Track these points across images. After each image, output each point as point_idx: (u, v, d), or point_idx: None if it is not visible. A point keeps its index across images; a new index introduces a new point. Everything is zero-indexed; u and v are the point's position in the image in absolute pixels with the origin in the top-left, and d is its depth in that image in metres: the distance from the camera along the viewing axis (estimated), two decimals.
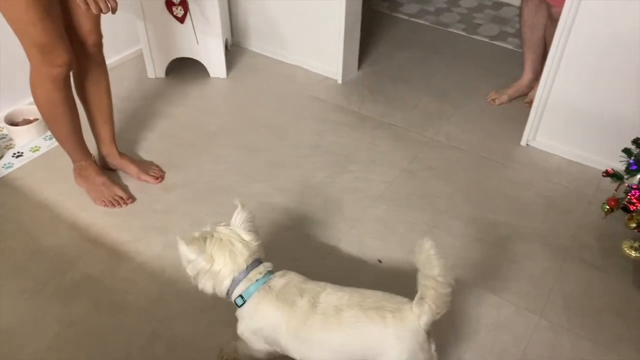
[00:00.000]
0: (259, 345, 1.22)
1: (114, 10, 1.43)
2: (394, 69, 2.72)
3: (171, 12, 2.40)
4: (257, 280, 1.18)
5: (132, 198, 1.91)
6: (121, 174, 2.01)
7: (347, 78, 2.63)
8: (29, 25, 1.48)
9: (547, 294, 1.63)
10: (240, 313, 1.21)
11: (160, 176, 2.00)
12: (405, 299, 1.15)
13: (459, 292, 1.62)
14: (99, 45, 1.71)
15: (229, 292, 1.20)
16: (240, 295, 1.19)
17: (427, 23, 3.12)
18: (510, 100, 2.47)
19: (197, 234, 1.19)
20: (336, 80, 2.61)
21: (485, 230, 1.85)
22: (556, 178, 2.07)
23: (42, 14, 1.46)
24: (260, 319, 1.18)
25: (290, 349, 1.17)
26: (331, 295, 1.16)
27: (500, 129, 2.32)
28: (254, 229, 1.23)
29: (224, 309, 1.26)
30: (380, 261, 1.72)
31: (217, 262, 1.17)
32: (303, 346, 1.16)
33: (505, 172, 2.10)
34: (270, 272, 1.22)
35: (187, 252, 1.15)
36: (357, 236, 1.81)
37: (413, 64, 2.76)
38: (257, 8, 2.68)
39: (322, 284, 1.20)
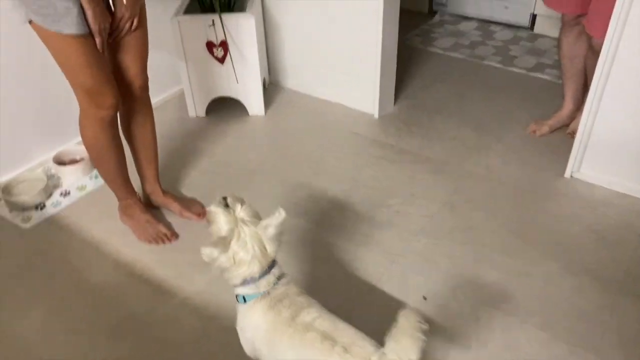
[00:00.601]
0: (244, 340, 1.29)
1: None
2: (431, 103, 2.72)
3: (212, 53, 2.48)
4: (263, 291, 1.23)
5: (175, 235, 1.94)
6: (165, 211, 2.05)
7: (384, 112, 2.64)
8: (78, 69, 1.55)
9: (600, 331, 1.56)
10: (238, 308, 1.28)
11: (202, 213, 2.03)
12: (372, 347, 1.09)
13: (508, 329, 1.57)
14: (145, 87, 1.78)
15: (235, 286, 1.25)
16: (243, 297, 1.24)
17: (462, 56, 3.13)
18: (552, 131, 2.43)
19: (225, 229, 1.20)
20: (373, 115, 2.62)
21: (531, 264, 1.80)
22: (603, 210, 2.01)
23: (91, 59, 1.53)
24: (249, 319, 1.24)
25: (261, 353, 1.23)
26: (310, 315, 1.17)
27: (543, 161, 2.28)
28: (280, 239, 1.24)
29: None
30: (425, 298, 1.69)
31: (236, 263, 1.20)
32: (270, 354, 1.20)
33: (549, 205, 2.06)
34: (278, 279, 1.25)
35: (212, 252, 1.18)
36: (399, 271, 1.78)
37: (450, 97, 2.76)
38: (293, 46, 2.74)
39: (312, 301, 1.23)
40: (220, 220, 1.21)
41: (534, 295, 1.69)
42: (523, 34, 3.35)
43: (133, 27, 1.61)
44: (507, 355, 1.51)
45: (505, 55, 3.12)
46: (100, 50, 1.53)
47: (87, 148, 1.77)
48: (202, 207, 2.06)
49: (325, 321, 1.16)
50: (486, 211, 2.02)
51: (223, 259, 1.19)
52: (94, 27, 1.47)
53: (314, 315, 1.17)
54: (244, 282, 1.22)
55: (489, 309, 1.64)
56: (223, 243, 1.19)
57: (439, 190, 2.13)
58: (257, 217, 1.24)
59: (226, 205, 1.24)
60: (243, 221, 1.21)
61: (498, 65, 3.02)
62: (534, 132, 2.44)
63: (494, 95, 2.77)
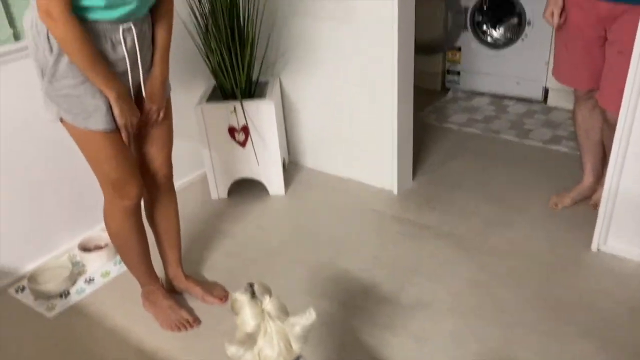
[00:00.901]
0: None
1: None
2: (449, 178, 2.74)
3: (233, 137, 2.56)
4: None
5: (197, 320, 1.92)
6: (187, 295, 2.04)
7: (403, 189, 2.66)
8: (105, 162, 1.60)
9: None
10: None
11: (224, 296, 2.02)
12: None
13: None
14: (170, 176, 1.83)
15: None
16: None
17: (477, 131, 3.18)
18: (574, 203, 2.42)
19: (252, 325, 1.17)
20: (392, 191, 2.64)
21: (565, 344, 1.73)
22: (636, 284, 1.95)
23: (117, 152, 1.58)
24: None
25: None
26: None
27: (567, 234, 2.25)
28: (305, 338, 1.21)
29: None
30: None
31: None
32: None
33: (578, 280, 2.01)
34: None
35: (237, 351, 1.15)
36: (428, 355, 1.72)
37: (468, 171, 2.78)
38: (311, 127, 2.82)
39: None
40: (247, 313, 1.18)
41: None
42: (537, 107, 3.41)
43: (159, 119, 1.68)
44: None
45: (520, 128, 3.16)
46: (127, 144, 1.59)
47: (111, 237, 1.80)
48: (225, 291, 2.05)
49: None
50: (513, 288, 1.98)
51: (248, 357, 1.16)
52: (121, 123, 1.54)
53: None
54: None
55: None
56: (249, 339, 1.16)
57: (463, 267, 2.10)
58: (284, 311, 1.21)
59: (252, 294, 1.23)
60: (270, 316, 1.18)
61: (514, 139, 3.06)
62: (556, 205, 2.42)
63: (512, 169, 2.78)
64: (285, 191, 2.72)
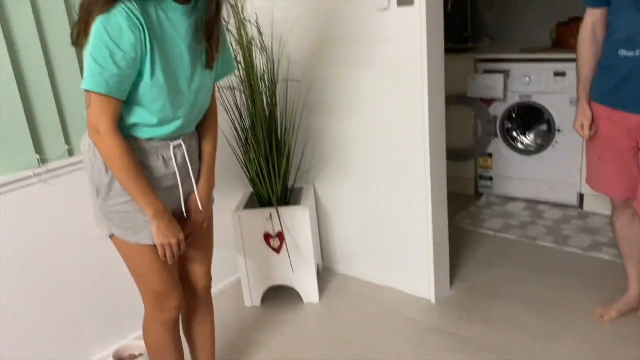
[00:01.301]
0: None
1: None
2: (488, 286, 2.67)
3: (269, 244, 2.59)
4: None
5: None
6: None
7: (441, 297, 2.60)
8: (149, 275, 1.63)
9: None
10: None
11: None
12: None
13: None
14: (209, 288, 1.84)
15: None
16: None
17: (513, 237, 3.14)
18: (621, 315, 2.31)
19: None
20: (429, 300, 2.58)
21: None
22: None
23: (162, 265, 1.61)
24: None
25: None
26: None
27: (618, 350, 2.12)
28: None
29: None
30: None
31: None
32: None
33: None
34: None
35: None
36: None
37: (507, 279, 2.72)
38: (345, 232, 2.84)
39: None
40: None
41: None
42: (573, 212, 3.37)
43: (204, 230, 1.73)
44: None
45: (557, 235, 3.11)
46: (170, 263, 1.61)
47: (149, 350, 1.79)
48: None
49: None
50: None
51: None
52: (158, 242, 1.53)
53: None
54: None
55: None
56: None
57: None
58: None
59: None
60: None
61: (552, 246, 3.00)
62: (602, 317, 2.31)
63: (552, 277, 2.70)
64: (320, 298, 2.69)
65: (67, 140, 2.06)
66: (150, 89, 1.42)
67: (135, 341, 2.32)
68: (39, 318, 2.11)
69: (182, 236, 1.56)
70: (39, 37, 1.93)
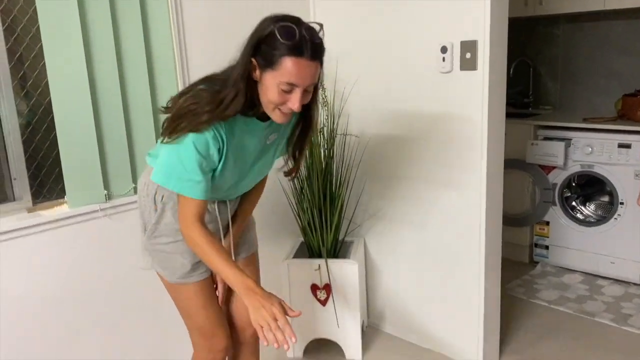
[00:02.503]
0: None
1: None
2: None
3: (315, 295, 2.58)
4: None
5: None
6: None
7: None
8: (195, 312, 1.67)
9: None
10: None
11: None
12: None
13: None
14: (256, 335, 1.85)
15: None
16: None
17: (569, 311, 2.99)
18: None
19: None
20: None
21: None
22: None
23: (206, 302, 1.67)
24: None
25: None
26: None
27: None
28: None
29: None
30: None
31: None
32: None
33: None
34: None
35: None
36: None
37: (560, 355, 2.58)
38: (393, 291, 2.80)
39: None
40: None
41: None
42: (635, 290, 3.20)
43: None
44: None
45: (617, 312, 2.95)
46: (220, 303, 1.66)
47: None
48: None
49: None
50: None
51: None
52: (254, 322, 1.40)
53: None
54: None
55: None
56: None
57: None
58: None
59: None
60: None
61: (611, 324, 2.84)
62: None
63: (609, 357, 2.54)
64: (362, 356, 2.63)
65: (134, 179, 2.17)
66: (215, 179, 1.54)
67: None
68: (91, 348, 2.16)
69: (276, 309, 1.39)
70: (119, 83, 2.07)
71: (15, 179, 1.99)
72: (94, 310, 2.16)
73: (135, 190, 2.18)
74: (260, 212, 2.10)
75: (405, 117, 2.54)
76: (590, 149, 3.26)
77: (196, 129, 1.40)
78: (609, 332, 2.78)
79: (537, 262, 3.62)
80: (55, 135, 1.97)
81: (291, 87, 1.39)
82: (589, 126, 3.31)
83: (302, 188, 2.61)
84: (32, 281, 1.99)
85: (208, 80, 1.48)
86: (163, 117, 1.49)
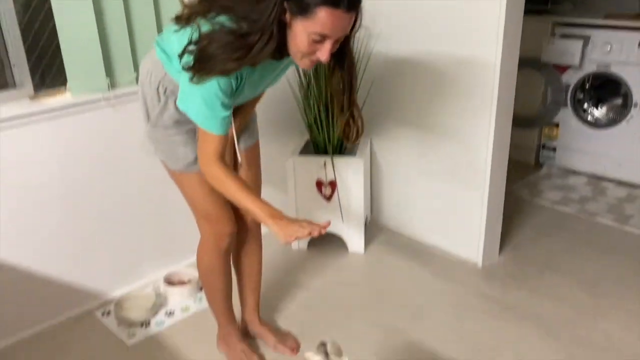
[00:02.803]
0: None
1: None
2: (539, 257, 2.61)
3: (320, 191, 2.60)
4: None
5: None
6: (260, 341, 2.05)
7: (488, 262, 2.56)
8: (200, 199, 1.69)
9: None
10: None
11: (296, 348, 2.01)
12: None
13: None
14: (258, 222, 1.88)
15: None
16: None
17: (571, 211, 3.03)
18: None
19: None
20: (476, 264, 2.55)
21: None
22: None
23: (210, 188, 1.64)
24: None
25: None
26: None
27: None
28: None
29: None
30: None
31: None
32: None
33: None
34: None
35: None
36: None
37: (559, 252, 2.64)
38: (397, 188, 2.82)
39: None
40: None
41: None
42: (639, 192, 3.21)
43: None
44: None
45: (619, 213, 2.98)
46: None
47: (200, 273, 1.87)
48: (297, 342, 2.04)
49: None
50: None
51: None
52: (281, 240, 1.41)
53: None
54: None
55: None
56: None
57: (550, 354, 1.96)
58: None
59: (325, 354, 1.23)
60: None
61: (612, 224, 2.88)
62: None
63: (608, 255, 2.61)
64: (365, 250, 2.71)
65: (136, 67, 2.11)
66: None
67: (185, 268, 2.44)
68: (96, 236, 2.23)
69: (306, 227, 1.39)
70: None
71: (14, 65, 1.94)
72: (97, 200, 2.19)
73: (137, 79, 2.13)
74: (266, 110, 2.08)
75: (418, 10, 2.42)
76: (609, 47, 3.13)
77: (223, 74, 1.35)
78: (609, 232, 2.83)
79: (542, 164, 3.61)
80: (54, 23, 1.88)
81: (323, 37, 1.31)
82: (609, 23, 3.15)
83: (308, 84, 2.54)
84: (34, 171, 2.00)
85: (228, 10, 1.34)
86: (164, 2, 1.41)
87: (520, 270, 2.50)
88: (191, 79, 1.36)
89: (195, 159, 1.61)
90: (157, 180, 1.71)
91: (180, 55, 1.37)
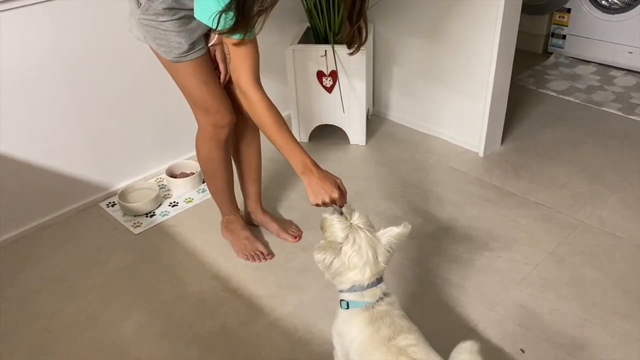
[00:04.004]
0: (336, 344, 1.31)
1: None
2: (540, 146, 2.60)
3: (321, 82, 2.54)
4: (367, 301, 1.24)
5: (271, 254, 1.98)
6: (263, 230, 2.10)
7: (490, 152, 2.56)
8: (194, 88, 1.65)
9: None
10: (339, 313, 1.29)
11: (298, 235, 2.06)
12: None
13: None
14: None
15: (342, 291, 1.27)
16: (347, 302, 1.25)
17: (577, 101, 2.97)
18: None
19: (341, 236, 1.23)
20: (477, 153, 2.55)
21: None
22: None
23: (206, 77, 1.63)
24: (347, 327, 1.25)
25: None
26: (406, 340, 1.16)
27: None
28: (392, 251, 1.26)
29: None
30: (523, 351, 1.58)
31: (348, 267, 1.22)
32: None
33: None
34: (382, 296, 1.25)
35: (324, 258, 1.22)
36: (497, 320, 1.69)
37: (561, 142, 2.63)
38: (401, 78, 2.75)
39: (413, 327, 1.21)
40: (336, 227, 1.25)
41: None
42: None
43: None
44: None
45: (626, 102, 2.92)
46: (222, 83, 1.62)
47: (200, 163, 1.87)
48: (299, 230, 2.09)
49: (420, 351, 1.14)
50: (598, 267, 1.88)
51: (336, 263, 1.22)
52: (311, 200, 1.46)
53: (411, 342, 1.16)
54: (352, 288, 1.24)
55: None
56: (334, 247, 1.22)
57: (545, 239, 2.01)
58: (371, 226, 1.27)
59: (341, 213, 1.31)
60: (359, 227, 1.24)
61: (617, 113, 2.84)
62: None
63: (611, 144, 2.59)
64: (367, 141, 2.69)
65: None
66: None
67: (188, 161, 2.44)
68: (99, 128, 2.21)
69: (336, 194, 1.43)
70: None
71: None
72: (100, 93, 2.15)
73: None
74: None
75: None
76: None
77: None
78: (613, 121, 2.80)
79: (551, 53, 3.49)
80: None
81: None
82: None
83: None
84: (33, 59, 1.94)
85: None
86: None
87: (521, 160, 2.50)
88: None
89: (190, 48, 1.55)
90: (159, 71, 1.64)
91: None
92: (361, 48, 1.55)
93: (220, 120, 1.70)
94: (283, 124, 1.47)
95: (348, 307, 1.25)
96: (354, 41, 1.51)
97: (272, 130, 1.46)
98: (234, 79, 1.47)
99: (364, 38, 1.50)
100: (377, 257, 1.23)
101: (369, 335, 1.19)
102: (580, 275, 1.84)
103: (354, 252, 1.21)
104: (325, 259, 1.21)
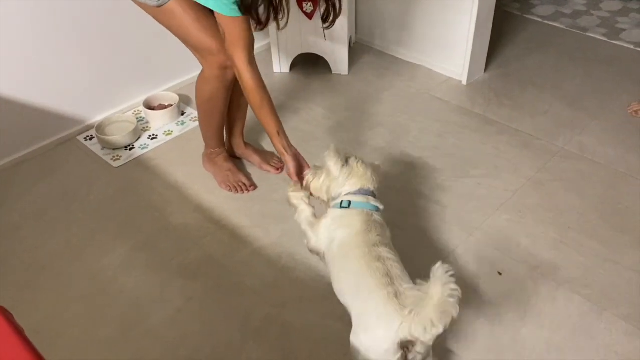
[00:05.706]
0: (325, 235, 1.35)
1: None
2: (524, 73, 2.57)
3: (301, 8, 2.45)
4: (371, 204, 1.36)
5: (254, 185, 1.98)
6: (246, 162, 2.09)
7: (473, 79, 2.53)
8: (188, 28, 1.59)
9: None
10: (335, 212, 1.37)
11: (280, 167, 2.05)
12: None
13: (586, 315, 1.50)
14: None
15: (340, 195, 1.39)
16: (350, 202, 1.35)
17: (562, 26, 2.92)
18: None
19: (343, 160, 1.40)
20: (460, 82, 2.52)
21: (620, 252, 1.69)
22: None
23: (196, 14, 1.57)
24: (346, 220, 1.32)
25: (330, 257, 1.31)
26: (387, 254, 1.22)
27: None
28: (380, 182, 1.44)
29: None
30: (500, 273, 1.63)
31: (353, 174, 1.39)
32: (335, 260, 1.29)
33: None
34: (378, 211, 1.37)
35: (337, 161, 1.38)
36: (475, 245, 1.73)
37: (545, 68, 2.60)
38: (383, 6, 2.66)
39: (395, 253, 1.26)
40: (333, 159, 1.39)
41: (620, 285, 1.59)
42: (634, 5, 3.08)
43: None
44: (582, 340, 1.44)
45: (611, 27, 2.88)
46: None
47: (199, 102, 1.82)
48: (281, 162, 2.08)
49: (396, 267, 1.20)
50: (575, 192, 1.91)
51: (345, 171, 1.37)
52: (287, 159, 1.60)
53: (391, 257, 1.22)
54: (359, 191, 1.37)
55: (568, 292, 1.57)
56: (340, 158, 1.39)
57: (525, 166, 2.04)
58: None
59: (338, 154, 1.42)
60: (357, 157, 1.42)
61: (602, 38, 2.80)
62: (636, 112, 2.26)
63: (594, 69, 2.58)
64: (349, 71, 2.64)
65: None
66: None
67: (165, 92, 2.39)
68: (73, 61, 2.13)
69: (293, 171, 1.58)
70: None
71: None
72: (73, 25, 2.05)
73: None
74: None
75: None
76: None
77: None
78: (598, 46, 2.77)
79: None
80: None
81: None
82: None
83: None
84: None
85: None
86: None
87: (504, 87, 2.48)
88: None
89: None
90: (134, 4, 1.57)
91: None
92: None
93: (227, 61, 1.63)
94: (265, 105, 1.56)
95: (349, 207, 1.34)
96: (328, 17, 1.55)
97: (255, 110, 1.57)
98: (228, 54, 1.53)
99: (338, 10, 1.54)
100: (374, 176, 1.40)
101: (359, 231, 1.28)
102: (557, 201, 1.88)
103: (359, 165, 1.39)
104: (338, 162, 1.37)
